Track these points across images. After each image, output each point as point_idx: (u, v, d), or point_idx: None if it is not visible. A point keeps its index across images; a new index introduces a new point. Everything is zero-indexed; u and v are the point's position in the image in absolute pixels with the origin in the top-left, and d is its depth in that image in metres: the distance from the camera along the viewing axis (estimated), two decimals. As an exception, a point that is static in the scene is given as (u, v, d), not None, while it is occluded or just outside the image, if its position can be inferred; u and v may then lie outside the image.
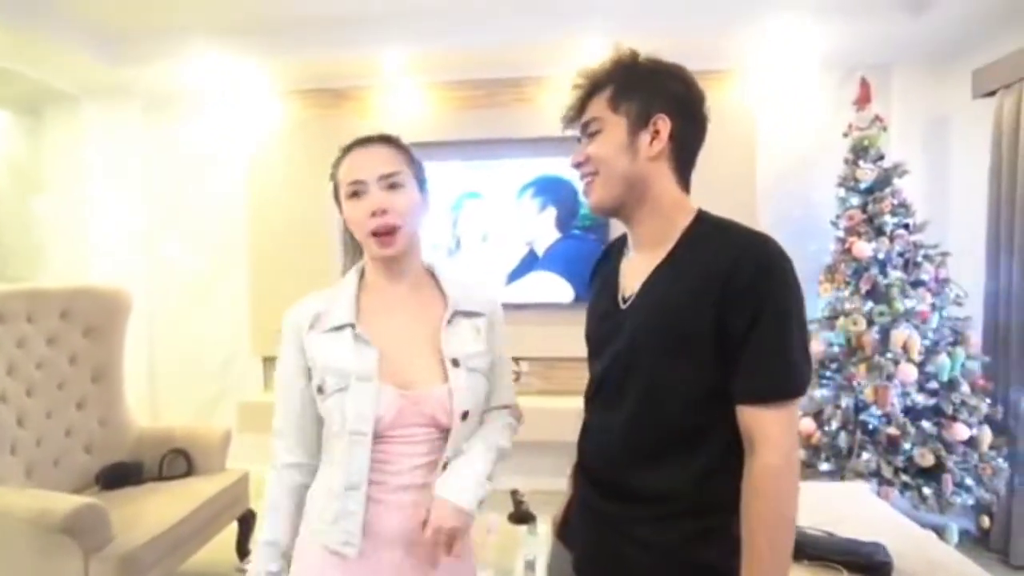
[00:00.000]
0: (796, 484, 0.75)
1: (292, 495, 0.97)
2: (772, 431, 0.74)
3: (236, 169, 3.36)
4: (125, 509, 1.93)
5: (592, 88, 0.87)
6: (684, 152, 0.86)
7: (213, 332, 3.44)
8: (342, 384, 0.90)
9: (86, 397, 2.29)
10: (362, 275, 1.00)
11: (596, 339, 0.94)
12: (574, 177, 2.99)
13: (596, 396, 0.93)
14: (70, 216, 3.37)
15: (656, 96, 0.83)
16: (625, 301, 0.88)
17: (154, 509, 1.98)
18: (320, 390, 0.92)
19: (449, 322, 0.96)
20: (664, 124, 0.83)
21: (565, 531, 1.00)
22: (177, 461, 2.30)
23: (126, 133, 3.40)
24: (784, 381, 0.75)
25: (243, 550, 2.37)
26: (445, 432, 0.93)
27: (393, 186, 0.93)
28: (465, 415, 0.92)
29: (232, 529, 2.32)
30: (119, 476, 2.19)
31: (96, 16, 2.76)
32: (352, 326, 0.92)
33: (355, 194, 0.93)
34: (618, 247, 0.98)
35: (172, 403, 3.50)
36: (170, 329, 3.49)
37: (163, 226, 3.48)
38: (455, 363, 0.93)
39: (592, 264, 1.05)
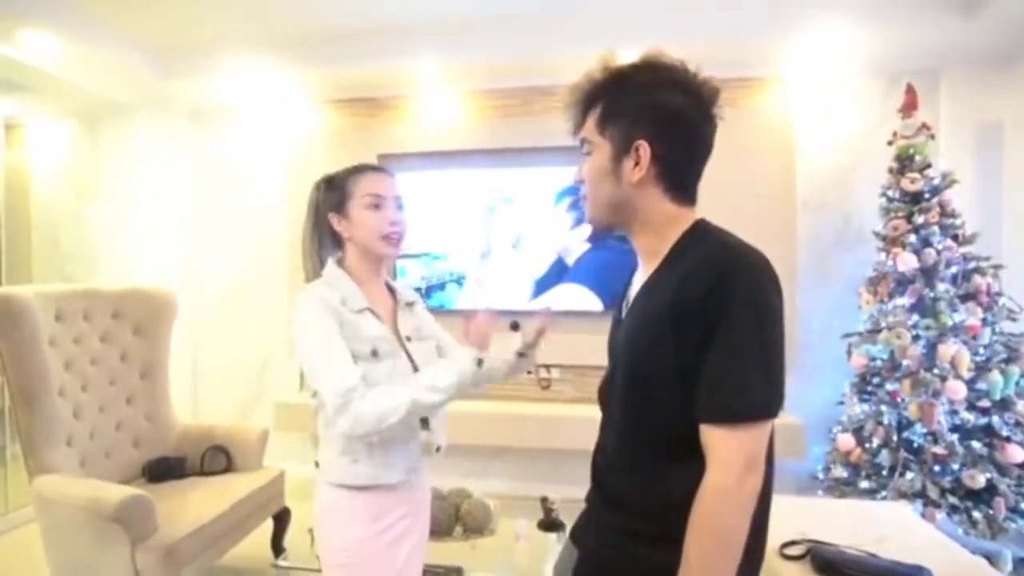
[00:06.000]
0: (743, 510, 0.71)
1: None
2: (722, 451, 0.72)
3: (275, 177, 3.48)
4: (169, 502, 2.00)
5: (589, 101, 0.86)
6: (675, 171, 0.82)
7: (252, 335, 3.56)
8: (392, 350, 1.17)
9: (135, 393, 2.40)
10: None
11: (609, 348, 0.96)
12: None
13: (603, 405, 0.95)
14: (121, 220, 3.53)
15: (640, 119, 0.80)
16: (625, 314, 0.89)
17: (196, 503, 2.05)
18: (375, 354, 1.13)
19: (401, 311, 1.28)
20: (645, 151, 0.80)
21: (577, 531, 0.99)
22: (217, 457, 2.38)
23: (173, 142, 3.57)
24: (735, 402, 0.71)
25: (278, 547, 2.43)
26: None
27: (401, 206, 1.23)
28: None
29: (268, 526, 2.38)
30: (164, 470, 2.29)
31: (149, 32, 2.93)
32: (370, 310, 1.17)
33: (376, 206, 1.18)
34: None
35: (212, 402, 3.63)
36: (211, 331, 3.63)
37: (206, 232, 3.63)
38: (408, 339, 1.25)
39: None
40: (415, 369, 1.21)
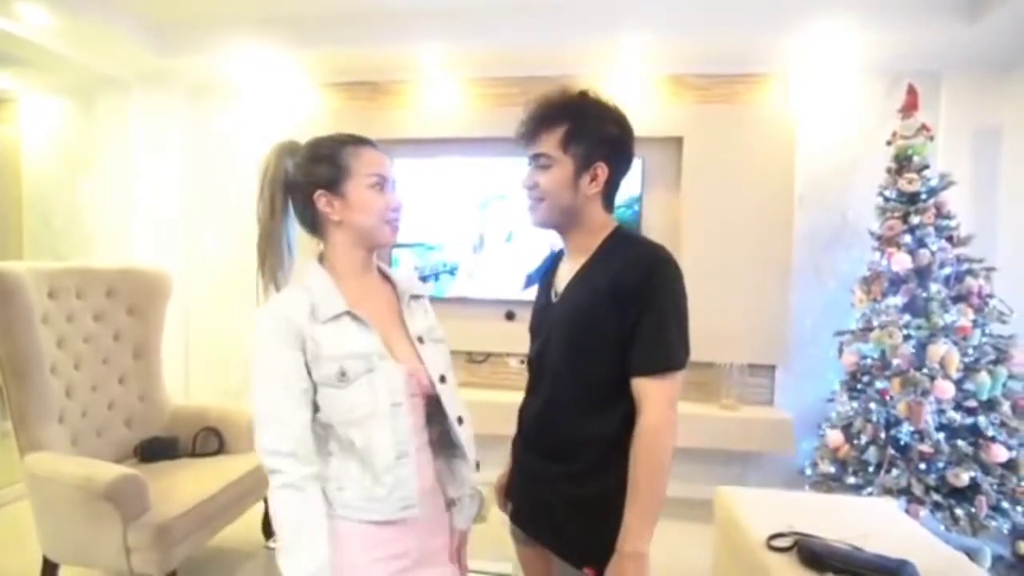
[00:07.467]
0: (672, 436, 0.96)
1: (321, 506, 0.93)
2: (653, 395, 0.96)
3: (274, 159, 3.44)
4: (161, 482, 2.00)
5: (548, 119, 1.03)
6: (613, 187, 1.07)
7: (245, 318, 3.53)
8: (369, 366, 0.95)
9: (127, 373, 2.39)
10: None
11: (533, 330, 1.18)
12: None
13: (529, 377, 1.17)
14: (115, 198, 3.49)
15: (602, 145, 1.02)
16: (556, 298, 1.10)
17: (187, 484, 2.06)
18: (343, 377, 0.94)
19: (407, 306, 1.10)
20: (603, 171, 1.03)
21: (506, 490, 1.23)
22: (209, 439, 2.39)
23: (170, 120, 3.52)
24: (663, 358, 0.97)
25: (269, 529, 2.44)
26: (429, 398, 1.05)
27: (394, 190, 1.08)
28: (443, 378, 1.06)
29: (259, 508, 2.39)
30: (156, 450, 2.29)
31: (147, 7, 2.88)
32: (349, 313, 0.98)
33: (379, 186, 1.02)
34: (562, 253, 1.18)
35: (204, 384, 3.62)
36: (204, 313, 3.61)
37: (201, 212, 3.60)
38: (420, 340, 1.06)
39: (544, 265, 1.24)
40: (441, 379, 1.04)
